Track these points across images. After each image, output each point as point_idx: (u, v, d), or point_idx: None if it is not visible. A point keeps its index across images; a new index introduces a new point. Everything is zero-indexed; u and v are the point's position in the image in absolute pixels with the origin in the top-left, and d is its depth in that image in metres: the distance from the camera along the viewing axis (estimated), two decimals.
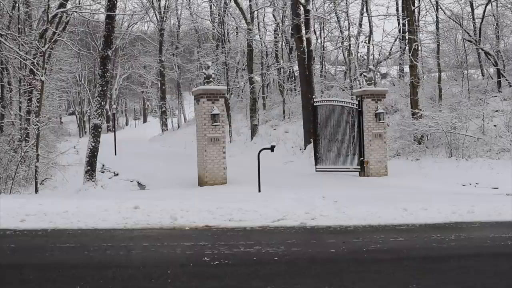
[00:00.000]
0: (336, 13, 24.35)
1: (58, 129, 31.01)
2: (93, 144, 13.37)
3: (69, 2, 17.26)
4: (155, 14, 36.76)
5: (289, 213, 8.22)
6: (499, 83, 19.33)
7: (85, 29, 34.69)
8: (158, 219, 7.78)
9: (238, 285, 4.71)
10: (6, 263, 5.49)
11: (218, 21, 28.46)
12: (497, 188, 12.12)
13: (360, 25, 23.87)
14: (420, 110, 17.03)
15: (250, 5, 25.52)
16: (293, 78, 27.97)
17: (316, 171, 15.78)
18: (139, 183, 14.80)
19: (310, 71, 19.09)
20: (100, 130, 13.70)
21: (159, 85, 37.66)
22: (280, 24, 26.72)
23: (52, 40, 16.27)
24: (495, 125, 16.46)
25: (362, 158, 14.66)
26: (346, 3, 24.37)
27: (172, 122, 37.97)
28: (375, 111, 14.60)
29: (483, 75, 21.81)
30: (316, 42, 25.60)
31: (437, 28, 21.53)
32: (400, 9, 23.99)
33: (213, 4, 29.76)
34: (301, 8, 19.13)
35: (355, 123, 14.94)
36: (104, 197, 10.25)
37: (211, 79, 13.18)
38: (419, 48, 20.23)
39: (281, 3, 24.79)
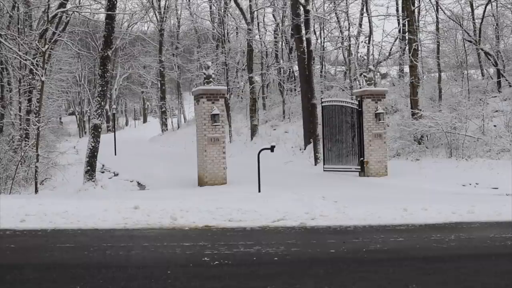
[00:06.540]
0: (336, 13, 24.34)
1: (58, 129, 31.03)
2: (93, 144, 13.37)
3: (69, 2, 17.25)
4: (155, 14, 36.78)
5: (289, 213, 8.23)
6: (499, 83, 19.33)
7: (85, 29, 34.67)
8: (158, 219, 7.78)
9: (238, 285, 4.71)
10: (6, 263, 5.48)
11: (218, 21, 28.48)
12: (497, 188, 12.11)
13: (360, 25, 23.87)
14: (420, 110, 17.02)
15: (250, 5, 25.54)
16: (293, 78, 27.98)
17: (324, 170, 15.89)
18: (139, 183, 14.80)
19: (310, 71, 19.08)
20: (100, 130, 13.69)
21: (159, 85, 37.67)
22: (280, 24, 26.73)
23: (52, 40, 16.28)
24: (495, 125, 16.46)
25: (362, 158, 14.66)
26: (346, 3, 24.37)
27: (172, 122, 37.98)
28: (375, 111, 14.60)
29: (483, 75, 21.81)
30: (316, 42, 25.60)
31: (437, 28, 21.52)
32: (400, 9, 23.99)
33: (213, 4, 29.79)
34: (301, 8, 19.12)
35: (355, 123, 14.94)
36: (104, 197, 10.25)
37: (211, 79, 13.17)
38: (419, 48, 20.23)
39: (281, 3, 24.79)
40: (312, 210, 8.45)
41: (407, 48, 19.50)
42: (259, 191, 11.06)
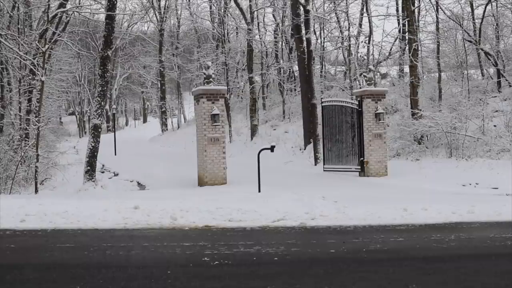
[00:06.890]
0: (336, 13, 24.34)
1: (58, 129, 31.04)
2: (93, 144, 13.37)
3: (69, 2, 17.25)
4: (155, 14, 36.79)
5: (289, 213, 8.23)
6: (499, 83, 19.32)
7: (85, 29, 34.67)
8: (158, 219, 7.78)
9: (238, 285, 4.71)
10: (6, 263, 5.48)
11: (218, 21, 28.49)
12: (497, 188, 12.11)
13: (360, 25, 23.87)
14: (420, 110, 17.02)
15: (250, 5, 25.54)
16: (293, 78, 27.98)
17: (324, 170, 15.92)
18: (139, 183, 14.80)
19: (310, 71, 19.08)
20: (100, 130, 13.69)
21: (159, 85, 37.68)
22: (280, 24, 26.74)
23: (52, 40, 16.27)
24: (495, 125, 16.46)
25: (362, 158, 14.66)
26: (346, 3, 24.38)
27: (172, 122, 37.99)
28: (375, 111, 14.60)
29: (483, 75, 21.81)
30: (316, 42, 25.60)
31: (437, 28, 21.52)
32: (400, 9, 23.99)
33: (213, 4, 29.80)
34: (301, 8, 19.13)
35: (355, 123, 14.95)
36: (104, 197, 10.25)
37: (211, 79, 13.17)
38: (419, 48, 20.23)
39: (281, 3, 24.79)
40: (312, 210, 8.46)
41: (407, 48, 19.50)
42: (259, 191, 11.06)
